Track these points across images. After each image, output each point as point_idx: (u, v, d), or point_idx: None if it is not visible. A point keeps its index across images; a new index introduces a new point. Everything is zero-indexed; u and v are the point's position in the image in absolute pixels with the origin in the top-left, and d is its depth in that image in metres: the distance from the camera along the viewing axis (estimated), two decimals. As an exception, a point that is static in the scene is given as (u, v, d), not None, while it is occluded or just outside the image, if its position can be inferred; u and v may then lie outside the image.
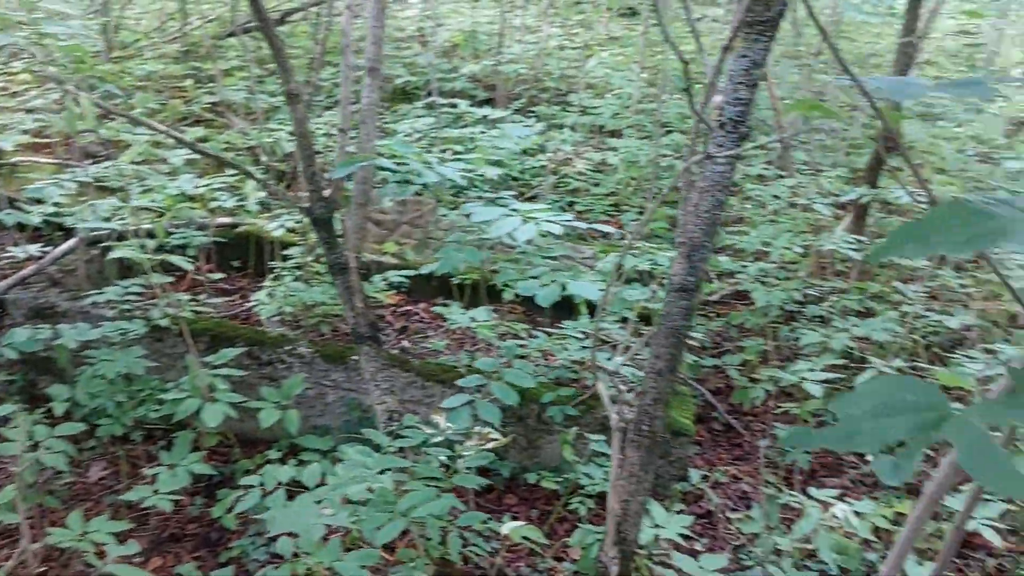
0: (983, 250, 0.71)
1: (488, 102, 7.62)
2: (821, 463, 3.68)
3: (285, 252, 3.76)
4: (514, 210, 2.26)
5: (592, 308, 3.83)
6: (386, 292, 3.71)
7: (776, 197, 4.93)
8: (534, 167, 6.06)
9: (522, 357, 3.47)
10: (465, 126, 6.41)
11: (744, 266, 4.73)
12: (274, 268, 3.65)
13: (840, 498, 2.90)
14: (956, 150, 5.61)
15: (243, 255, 4.25)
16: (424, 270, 2.57)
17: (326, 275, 3.49)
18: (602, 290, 2.30)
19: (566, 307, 3.95)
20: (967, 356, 3.77)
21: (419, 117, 6.83)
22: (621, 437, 2.08)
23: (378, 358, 2.55)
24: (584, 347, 3.23)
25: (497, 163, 5.93)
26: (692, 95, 1.97)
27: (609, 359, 2.65)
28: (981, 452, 0.70)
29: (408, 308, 4.10)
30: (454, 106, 6.82)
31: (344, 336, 3.78)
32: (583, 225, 2.36)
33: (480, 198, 2.30)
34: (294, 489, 2.32)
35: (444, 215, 4.79)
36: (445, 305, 3.77)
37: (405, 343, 3.77)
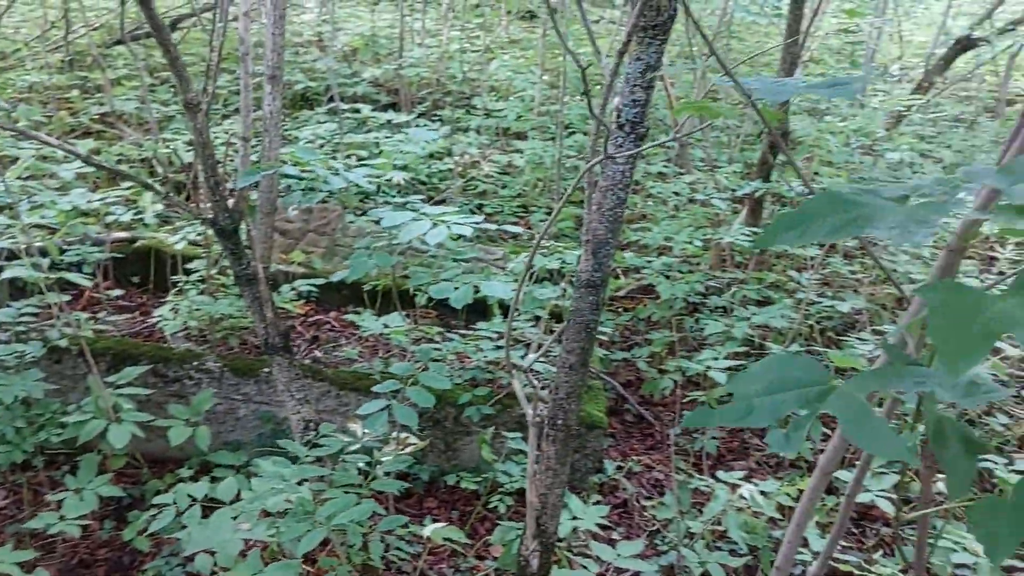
0: (852, 236, 0.78)
1: (392, 106, 7.60)
2: (728, 448, 3.84)
3: (188, 265, 3.67)
4: (423, 214, 2.28)
5: (505, 308, 3.88)
6: (295, 302, 3.67)
7: (676, 194, 5.10)
8: (441, 171, 6.08)
9: (438, 360, 3.49)
10: (369, 131, 6.37)
11: (649, 261, 4.87)
12: (177, 282, 3.56)
13: (747, 479, 3.03)
14: (842, 144, 5.92)
15: (143, 270, 4.11)
16: (334, 278, 2.56)
17: (232, 287, 3.42)
18: (513, 290, 2.35)
19: (479, 309, 3.99)
20: (858, 338, 3.99)
21: (321, 123, 6.75)
22: (537, 432, 2.13)
23: (291, 369, 2.52)
24: (498, 347, 3.28)
25: (404, 168, 5.93)
26: (591, 97, 2.04)
27: (523, 357, 2.69)
28: (860, 419, 0.77)
29: (319, 317, 4.05)
30: (357, 111, 6.77)
31: (254, 349, 3.71)
32: (493, 227, 2.40)
33: (388, 203, 2.31)
34: (209, 506, 2.27)
35: (352, 222, 4.76)
36: (357, 313, 3.76)
37: (317, 353, 3.73)
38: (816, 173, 5.91)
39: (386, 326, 3.35)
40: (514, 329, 3.41)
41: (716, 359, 3.73)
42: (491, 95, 7.51)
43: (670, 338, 4.44)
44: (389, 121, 6.48)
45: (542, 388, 2.42)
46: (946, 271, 1.10)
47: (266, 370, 3.21)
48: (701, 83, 6.18)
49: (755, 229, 4.78)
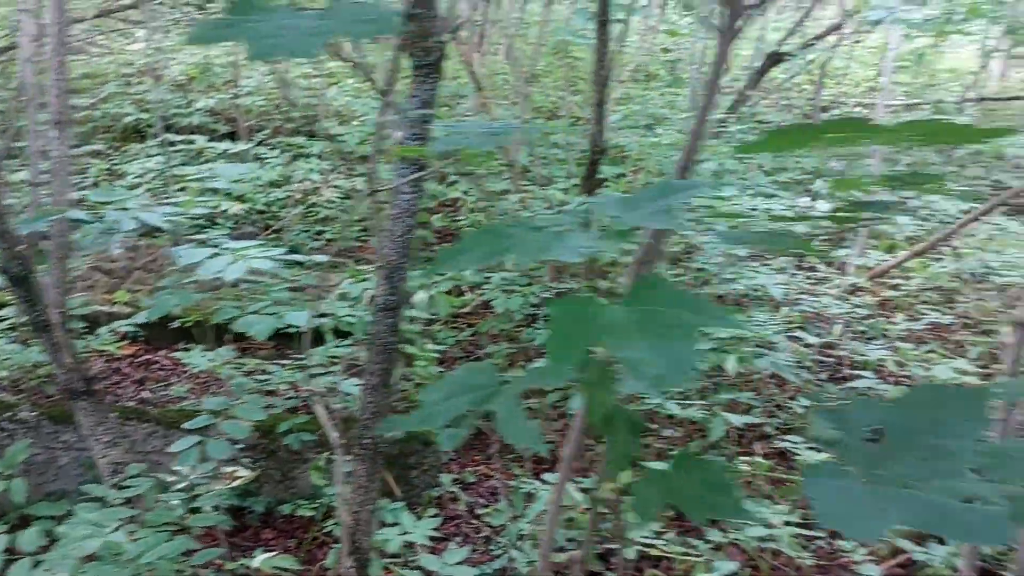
0: (498, 261, 0.92)
1: (230, 136, 7.48)
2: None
3: (-3, 313, 3.52)
4: (226, 249, 2.32)
5: (342, 334, 3.93)
6: (117, 344, 3.59)
7: (505, 213, 5.30)
8: (280, 199, 6.05)
9: (271, 392, 3.50)
10: (206, 162, 6.27)
11: (487, 277, 5.05)
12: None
13: (573, 479, 3.22)
14: (664, 156, 6.32)
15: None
16: (138, 318, 2.55)
17: (46, 332, 3.31)
18: (324, 315, 2.42)
19: (320, 337, 4.03)
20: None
21: (151, 156, 6.58)
22: (344, 453, 2.21)
23: (96, 412, 2.49)
24: (328, 372, 3.33)
25: (239, 198, 5.87)
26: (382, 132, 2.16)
27: (339, 381, 2.76)
28: (509, 414, 0.90)
29: (148, 357, 3.97)
30: (191, 142, 6.63)
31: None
32: (300, 257, 2.46)
33: (191, 240, 2.34)
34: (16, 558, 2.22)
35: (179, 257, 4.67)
36: (187, 350, 3.71)
37: (145, 393, 3.66)
38: (646, 184, 6.28)
39: (211, 361, 3.35)
40: (346, 355, 3.47)
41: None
42: (333, 120, 7.53)
43: (510, 350, 4.61)
44: (226, 151, 6.41)
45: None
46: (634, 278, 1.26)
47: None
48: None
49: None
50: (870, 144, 1.26)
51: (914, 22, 6.37)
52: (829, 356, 4.46)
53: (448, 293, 4.85)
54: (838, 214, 1.38)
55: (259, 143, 7.06)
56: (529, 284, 5.00)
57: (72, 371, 2.35)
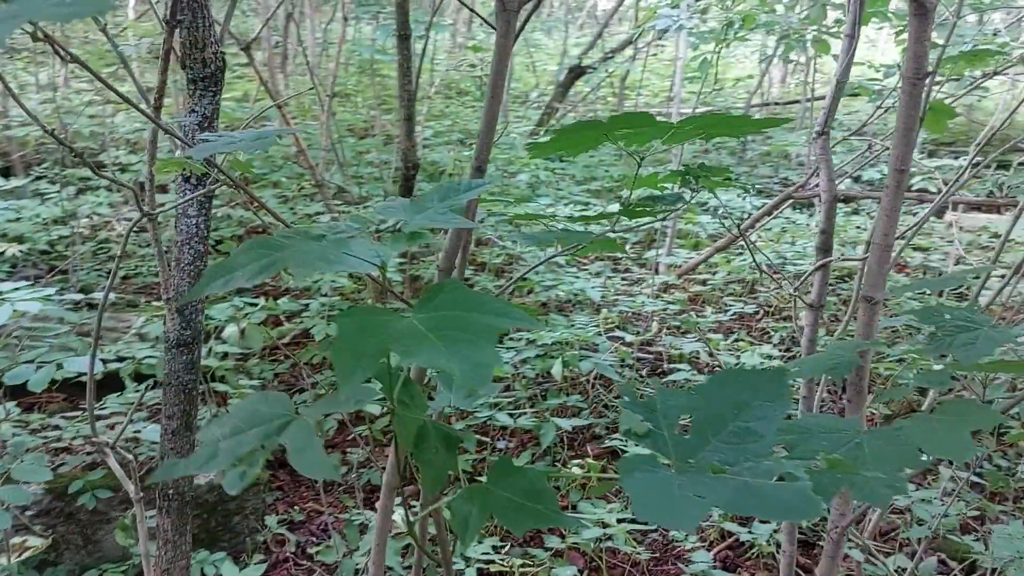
0: (274, 275, 0.82)
1: (3, 172, 6.78)
2: (402, 476, 3.90)
3: None
4: None
5: (142, 377, 3.61)
6: None
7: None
8: (65, 237, 5.53)
9: (64, 450, 3.16)
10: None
11: (306, 304, 4.84)
12: None
13: (405, 505, 3.11)
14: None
15: None
16: None
17: None
18: (121, 359, 2.19)
19: (114, 384, 3.68)
20: (504, 347, 4.29)
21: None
22: (141, 507, 2.00)
23: None
24: (130, 420, 3.03)
25: (18, 239, 5.31)
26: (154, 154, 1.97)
27: (141, 428, 2.52)
28: (305, 447, 0.81)
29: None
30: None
31: None
32: (79, 296, 2.21)
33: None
34: None
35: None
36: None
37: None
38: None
39: (-9, 420, 2.96)
40: (148, 400, 3.18)
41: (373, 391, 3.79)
42: (123, 149, 7.00)
43: (333, 378, 4.44)
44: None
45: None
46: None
47: None
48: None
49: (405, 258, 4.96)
50: (659, 141, 1.27)
51: (698, 32, 6.83)
52: (648, 353, 4.63)
53: (263, 323, 4.61)
54: (634, 208, 1.39)
55: (37, 177, 6.45)
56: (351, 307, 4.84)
57: None
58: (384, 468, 3.76)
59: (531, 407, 3.88)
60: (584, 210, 6.03)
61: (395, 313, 0.82)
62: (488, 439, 3.84)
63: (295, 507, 3.55)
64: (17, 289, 2.05)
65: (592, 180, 7.55)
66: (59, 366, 2.07)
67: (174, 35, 1.77)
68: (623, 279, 5.60)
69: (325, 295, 4.65)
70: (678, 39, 5.79)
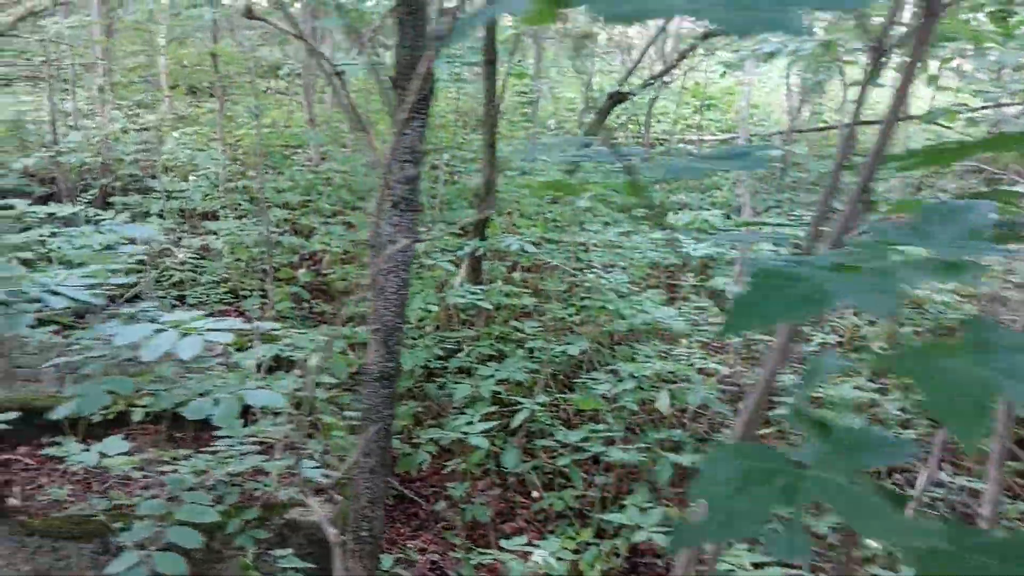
0: (817, 314, 0.74)
1: (49, 198, 6.68)
2: (497, 512, 3.79)
3: None
4: (162, 322, 1.95)
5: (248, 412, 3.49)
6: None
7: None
8: (127, 266, 5.41)
9: (191, 489, 3.04)
10: (26, 228, 5.53)
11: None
12: None
13: (529, 543, 3.00)
14: (536, 196, 6.30)
15: None
16: (58, 414, 2.07)
17: None
18: (282, 394, 2.09)
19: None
20: (591, 378, 4.19)
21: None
22: (341, 551, 1.89)
23: None
24: (246, 455, 2.92)
25: (80, 265, 5.20)
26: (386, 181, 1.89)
27: (301, 465, 2.41)
28: (856, 504, 0.72)
29: (6, 457, 3.34)
30: (10, 207, 5.87)
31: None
32: (250, 325, 2.11)
33: (112, 315, 1.94)
34: None
35: (27, 337, 4.01)
36: (57, 444, 3.15)
37: (13, 501, 3.06)
38: (515, 225, 6.22)
39: (103, 455, 2.84)
40: (259, 432, 3.07)
41: (471, 423, 3.68)
42: (170, 176, 6.92)
43: (415, 408, 4.32)
44: (52, 215, 5.70)
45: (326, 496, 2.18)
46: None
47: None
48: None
49: (477, 286, 4.87)
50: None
51: (725, 61, 6.84)
52: (731, 385, 4.54)
53: (342, 353, 4.51)
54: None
55: (88, 204, 6.35)
56: (420, 336, 4.75)
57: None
58: (484, 503, 3.65)
59: (630, 441, 3.78)
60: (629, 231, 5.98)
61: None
62: (585, 475, 3.74)
63: (398, 544, 3.43)
64: (189, 318, 1.95)
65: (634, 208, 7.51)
66: (240, 399, 1.97)
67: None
68: (690, 308, 5.53)
69: (408, 323, 4.55)
70: (749, 65, 5.76)
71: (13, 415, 2.89)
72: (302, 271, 5.91)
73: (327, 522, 1.81)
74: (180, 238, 6.08)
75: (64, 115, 7.59)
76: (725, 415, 3.99)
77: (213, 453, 3.00)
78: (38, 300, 1.69)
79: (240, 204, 6.79)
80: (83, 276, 2.05)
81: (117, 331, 1.83)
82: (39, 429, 3.45)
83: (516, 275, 5.62)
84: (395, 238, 1.82)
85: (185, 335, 1.85)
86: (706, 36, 7.49)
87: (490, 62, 4.27)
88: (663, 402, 3.62)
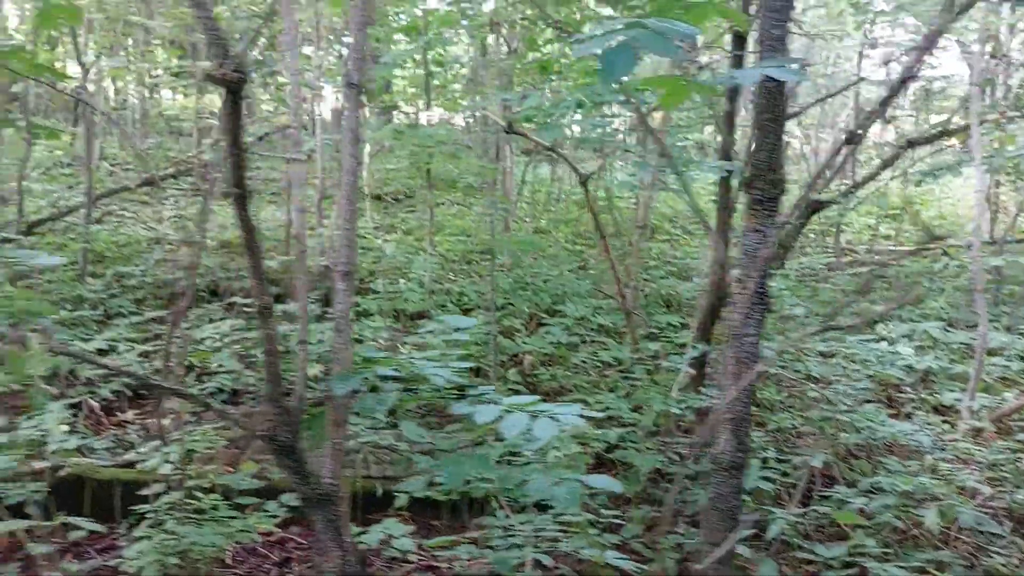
0: None
1: (279, 298, 7.30)
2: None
3: (142, 491, 3.14)
4: (497, 403, 2.08)
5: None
6: (264, 520, 3.19)
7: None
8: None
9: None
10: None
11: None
12: (138, 512, 3.02)
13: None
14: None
15: (74, 504, 3.44)
16: (409, 487, 2.22)
17: (212, 511, 2.93)
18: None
19: (453, 504, 3.67)
20: (832, 492, 4.01)
21: (214, 320, 6.36)
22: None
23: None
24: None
25: (316, 360, 5.59)
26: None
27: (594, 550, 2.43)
28: None
29: (283, 536, 3.57)
30: (252, 305, 6.47)
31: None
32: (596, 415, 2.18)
33: (464, 395, 2.09)
34: None
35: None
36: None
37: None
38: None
39: (390, 535, 2.98)
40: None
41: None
42: (387, 278, 7.41)
43: (649, 513, 4.26)
44: (284, 311, 6.24)
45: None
46: None
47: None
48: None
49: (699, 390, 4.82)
50: None
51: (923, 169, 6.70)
52: (991, 505, 4.21)
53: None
54: None
55: (313, 301, 6.89)
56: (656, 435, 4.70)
57: (349, 552, 2.02)
58: None
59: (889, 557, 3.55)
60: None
61: None
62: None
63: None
64: (529, 401, 2.06)
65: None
66: (580, 483, 2.04)
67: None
68: (925, 424, 5.22)
69: (628, 424, 4.56)
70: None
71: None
72: (512, 370, 6.09)
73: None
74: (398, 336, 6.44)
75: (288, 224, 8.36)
76: (998, 536, 3.69)
77: (473, 541, 3.08)
78: (425, 379, 1.85)
79: (446, 305, 7.17)
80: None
81: (476, 410, 1.96)
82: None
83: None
84: (749, 330, 1.89)
85: (535, 417, 1.96)
86: (910, 144, 7.40)
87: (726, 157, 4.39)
88: (932, 520, 3.41)
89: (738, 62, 3.80)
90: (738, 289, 1.90)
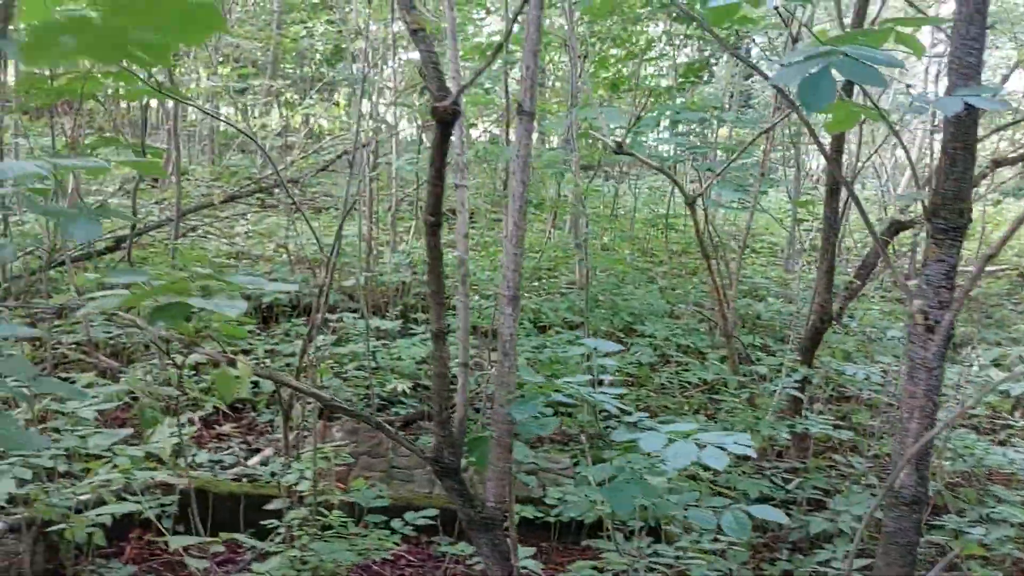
0: None
1: (352, 312, 7.37)
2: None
3: (269, 506, 3.18)
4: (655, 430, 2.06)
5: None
6: (388, 539, 3.21)
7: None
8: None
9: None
10: (340, 341, 6.13)
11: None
12: (266, 527, 3.06)
13: None
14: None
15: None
16: (573, 512, 2.21)
17: (338, 527, 2.96)
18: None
19: (571, 526, 3.66)
20: (943, 521, 3.90)
21: (297, 336, 6.43)
22: None
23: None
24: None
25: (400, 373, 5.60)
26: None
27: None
28: None
29: (395, 553, 3.58)
30: (340, 320, 6.58)
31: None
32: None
33: (622, 422, 2.08)
34: None
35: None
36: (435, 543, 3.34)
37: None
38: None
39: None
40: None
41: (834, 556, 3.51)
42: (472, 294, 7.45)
43: (755, 539, 4.19)
44: (377, 328, 6.30)
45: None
46: None
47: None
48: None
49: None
50: None
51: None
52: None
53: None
54: None
55: (395, 318, 6.95)
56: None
57: (516, 580, 2.02)
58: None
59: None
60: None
61: None
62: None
63: None
64: (697, 430, 2.04)
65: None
66: (747, 513, 2.01)
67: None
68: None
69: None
70: None
71: (433, 512, 3.12)
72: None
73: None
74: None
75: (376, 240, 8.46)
76: None
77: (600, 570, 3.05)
78: (585, 400, 1.85)
79: (523, 323, 7.18)
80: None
81: (641, 437, 1.95)
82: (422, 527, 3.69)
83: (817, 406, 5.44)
84: (929, 363, 1.85)
85: (702, 448, 1.94)
86: (996, 164, 7.21)
87: (833, 191, 4.33)
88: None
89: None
90: (919, 320, 1.86)
